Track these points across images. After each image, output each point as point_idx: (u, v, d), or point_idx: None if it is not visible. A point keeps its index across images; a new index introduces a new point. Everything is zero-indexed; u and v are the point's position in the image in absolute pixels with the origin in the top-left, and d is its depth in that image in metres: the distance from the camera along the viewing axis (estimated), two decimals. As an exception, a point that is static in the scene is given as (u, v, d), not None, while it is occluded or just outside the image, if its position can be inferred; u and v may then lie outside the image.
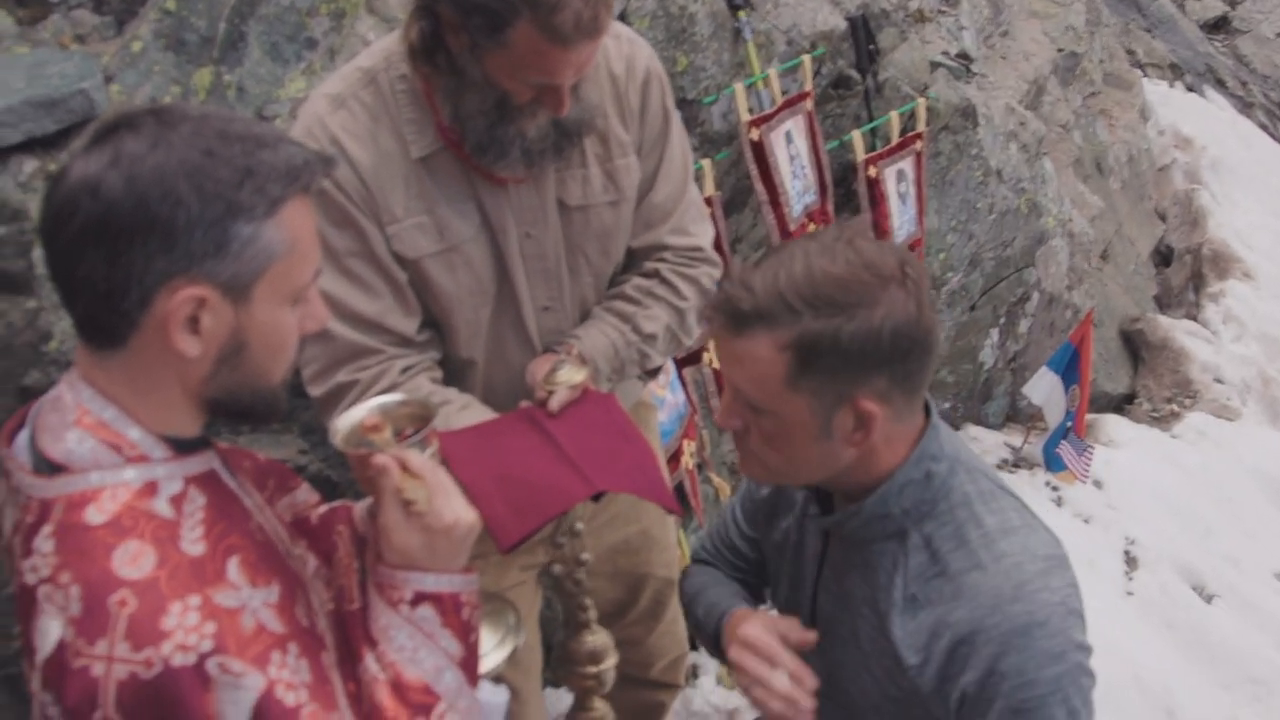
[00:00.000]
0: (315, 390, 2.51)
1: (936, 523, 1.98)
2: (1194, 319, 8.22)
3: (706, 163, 4.47)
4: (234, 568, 1.58)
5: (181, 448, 1.64)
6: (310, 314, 1.69)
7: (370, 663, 1.72)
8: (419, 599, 1.73)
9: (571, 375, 2.44)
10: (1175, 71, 11.08)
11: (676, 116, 2.74)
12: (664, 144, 2.71)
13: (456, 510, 1.73)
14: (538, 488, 2.08)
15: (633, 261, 2.80)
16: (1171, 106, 10.00)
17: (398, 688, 1.70)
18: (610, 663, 2.77)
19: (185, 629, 1.46)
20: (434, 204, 2.47)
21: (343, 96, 2.43)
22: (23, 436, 1.64)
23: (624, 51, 2.60)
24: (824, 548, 2.17)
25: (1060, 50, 8.02)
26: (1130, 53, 10.48)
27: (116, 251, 1.48)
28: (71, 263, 1.51)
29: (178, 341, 1.54)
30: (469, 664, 1.77)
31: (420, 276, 2.52)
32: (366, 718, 1.66)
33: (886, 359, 1.83)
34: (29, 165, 2.96)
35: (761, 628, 2.07)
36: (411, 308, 2.54)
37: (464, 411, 2.50)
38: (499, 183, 2.48)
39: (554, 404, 2.37)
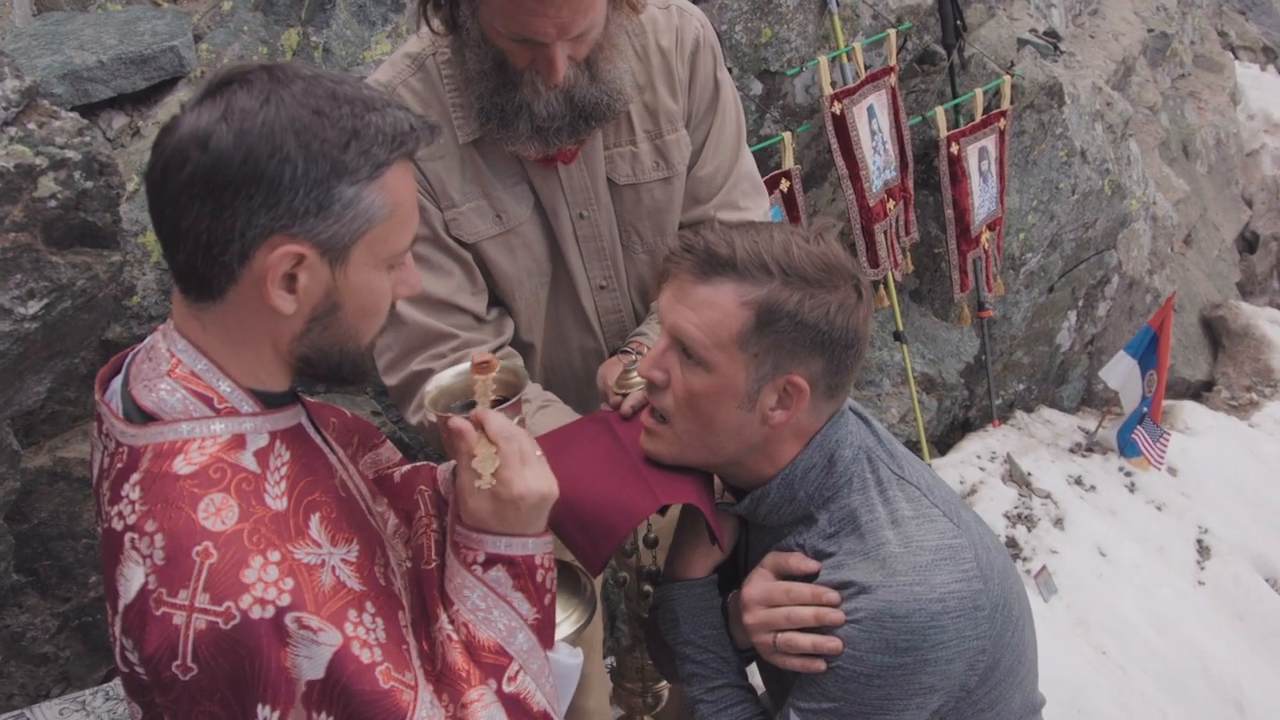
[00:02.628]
0: (390, 380, 2.51)
1: (838, 504, 2.04)
2: (1277, 307, 8.09)
3: (787, 135, 4.45)
4: (315, 524, 1.60)
5: (270, 402, 1.66)
6: (404, 279, 1.71)
7: (444, 622, 1.73)
8: (491, 561, 1.74)
9: None
10: (1268, 54, 10.88)
11: (729, 88, 2.69)
12: (713, 115, 2.66)
13: (527, 482, 1.72)
14: (606, 505, 2.05)
15: None
16: (1263, 90, 9.83)
17: (471, 647, 1.71)
18: (665, 684, 2.69)
19: (265, 583, 1.48)
20: (489, 187, 2.48)
21: (393, 84, 2.43)
22: (116, 383, 1.68)
23: (673, 23, 2.56)
24: (745, 539, 2.23)
25: (1150, 30, 7.90)
26: (1222, 34, 10.30)
27: (221, 204, 1.50)
28: (177, 214, 1.52)
29: (273, 298, 1.56)
30: (543, 626, 1.78)
31: (480, 260, 2.53)
32: (440, 677, 1.68)
33: (831, 344, 1.94)
34: (118, 121, 3.00)
35: (760, 580, 2.10)
36: (480, 285, 2.54)
37: (542, 411, 2.49)
38: (547, 164, 2.48)
39: (626, 406, 2.31)
